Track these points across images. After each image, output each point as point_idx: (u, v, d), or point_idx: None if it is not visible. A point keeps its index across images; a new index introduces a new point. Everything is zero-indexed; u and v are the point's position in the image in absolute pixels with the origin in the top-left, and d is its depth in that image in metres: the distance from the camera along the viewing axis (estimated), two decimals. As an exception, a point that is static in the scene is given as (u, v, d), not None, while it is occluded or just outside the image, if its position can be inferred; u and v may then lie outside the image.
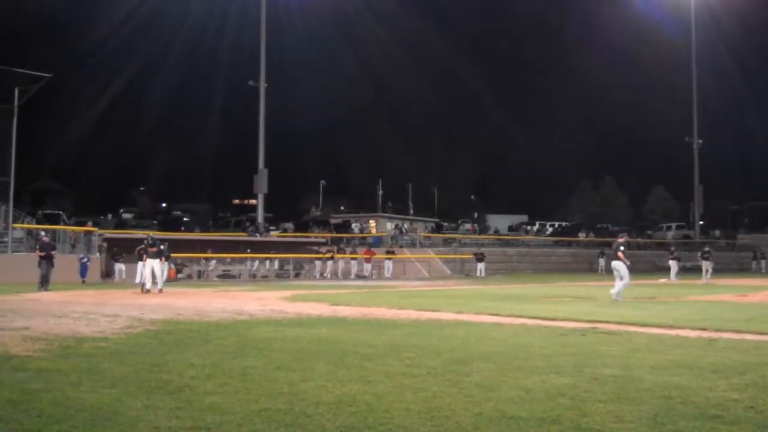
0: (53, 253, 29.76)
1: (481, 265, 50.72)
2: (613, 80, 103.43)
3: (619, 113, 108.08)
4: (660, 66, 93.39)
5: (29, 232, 39.41)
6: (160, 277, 28.22)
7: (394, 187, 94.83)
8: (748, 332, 12.90)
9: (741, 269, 65.65)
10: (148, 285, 27.37)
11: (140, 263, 35.97)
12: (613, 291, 22.73)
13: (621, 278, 22.78)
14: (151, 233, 34.38)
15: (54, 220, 50.37)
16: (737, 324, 14.26)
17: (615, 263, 23.47)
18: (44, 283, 28.11)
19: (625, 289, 22.65)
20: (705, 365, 9.24)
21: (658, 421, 6.33)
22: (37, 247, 30.35)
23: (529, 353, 10.43)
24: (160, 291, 27.08)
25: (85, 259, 36.50)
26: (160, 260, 28.28)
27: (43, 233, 31.63)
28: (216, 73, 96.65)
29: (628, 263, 23.05)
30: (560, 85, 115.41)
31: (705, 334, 12.70)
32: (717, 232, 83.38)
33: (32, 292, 25.88)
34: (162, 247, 28.60)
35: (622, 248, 23.43)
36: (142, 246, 28.98)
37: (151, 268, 27.74)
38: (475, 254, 52.34)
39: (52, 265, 29.06)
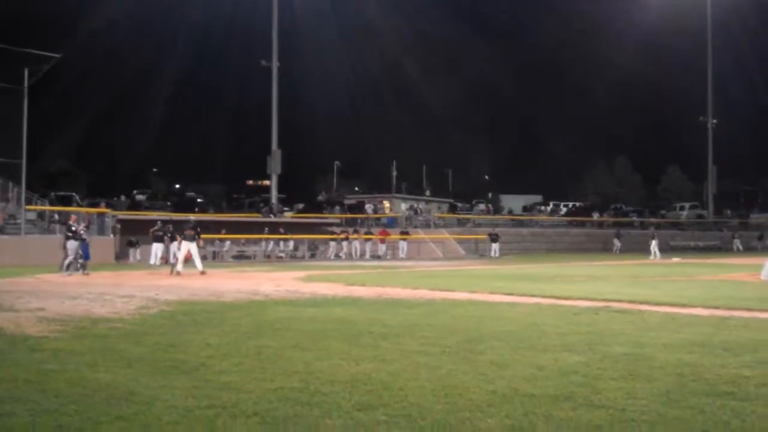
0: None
1: (495, 246, 50.72)
2: (628, 61, 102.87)
3: (634, 93, 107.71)
4: (675, 46, 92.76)
5: (41, 214, 39.52)
6: (198, 259, 27.87)
7: (408, 169, 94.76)
8: (760, 311, 12.90)
9: (748, 248, 65.48)
10: (180, 267, 27.09)
11: (154, 244, 36.20)
12: (763, 275, 22.63)
13: None
14: (192, 216, 34.13)
15: (67, 201, 50.47)
16: (749, 303, 14.26)
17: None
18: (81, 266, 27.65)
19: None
20: (717, 343, 9.27)
21: (670, 398, 6.36)
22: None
23: (543, 332, 10.47)
24: (203, 273, 26.52)
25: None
26: (197, 243, 28.04)
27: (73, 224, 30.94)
28: (230, 52, 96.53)
29: None
30: (575, 66, 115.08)
31: (717, 313, 12.72)
32: (728, 212, 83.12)
33: (48, 274, 25.96)
34: (199, 229, 28.44)
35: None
36: (165, 228, 28.46)
37: (187, 249, 27.46)
38: (490, 234, 52.33)
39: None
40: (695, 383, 6.94)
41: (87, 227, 29.51)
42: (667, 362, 7.97)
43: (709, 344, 9.19)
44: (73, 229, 27.94)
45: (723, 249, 63.60)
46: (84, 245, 28.19)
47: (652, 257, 46.14)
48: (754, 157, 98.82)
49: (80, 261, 26.92)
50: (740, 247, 63.51)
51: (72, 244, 27.25)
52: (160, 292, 17.92)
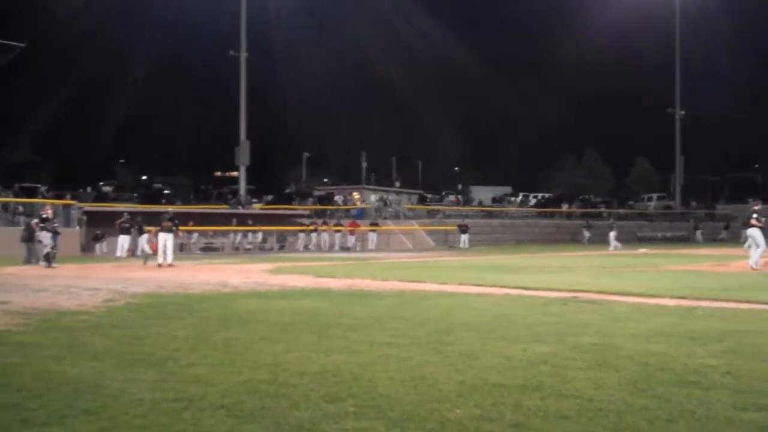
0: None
1: (464, 237, 50.80)
2: (596, 52, 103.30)
3: (603, 85, 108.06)
4: (644, 37, 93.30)
5: (5, 206, 39.08)
6: (171, 252, 27.79)
7: (378, 160, 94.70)
8: (726, 300, 13.03)
9: (715, 239, 66.22)
10: (161, 260, 27.00)
11: (121, 237, 35.86)
12: (751, 262, 22.90)
13: (757, 246, 23.03)
14: (171, 208, 33.87)
15: (32, 193, 49.94)
16: (715, 292, 14.39)
17: (750, 231, 23.70)
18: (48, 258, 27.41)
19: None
20: (683, 333, 9.34)
21: (637, 387, 6.41)
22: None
23: (512, 322, 10.51)
24: (170, 265, 26.56)
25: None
26: (176, 235, 27.94)
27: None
28: (198, 42, 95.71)
29: (761, 224, 23.40)
30: (544, 58, 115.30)
31: (684, 303, 12.83)
32: (693, 203, 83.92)
33: (13, 267, 25.73)
34: (177, 221, 28.35)
35: (755, 216, 23.65)
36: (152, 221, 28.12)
37: (164, 241, 27.38)
38: (459, 226, 52.41)
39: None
40: (662, 373, 6.99)
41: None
42: (635, 352, 8.02)
43: (676, 334, 9.26)
44: (49, 219, 27.84)
45: (689, 240, 64.12)
46: (54, 237, 28.02)
47: (611, 248, 45.33)
48: (721, 148, 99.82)
49: (52, 251, 26.84)
50: (701, 239, 63.91)
51: (46, 236, 27.12)
52: (127, 284, 17.84)
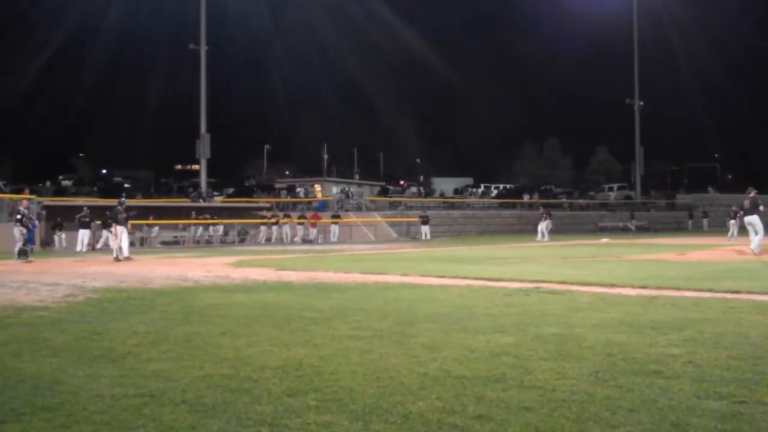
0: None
1: (425, 228, 50.87)
2: (556, 42, 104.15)
3: (563, 75, 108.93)
4: (603, 28, 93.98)
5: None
6: (126, 245, 27.51)
7: (339, 152, 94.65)
8: (687, 289, 13.10)
9: (679, 228, 66.96)
10: (126, 252, 26.83)
11: (81, 231, 35.56)
12: (753, 246, 23.46)
13: (756, 233, 23.57)
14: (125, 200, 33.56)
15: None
16: (676, 282, 14.48)
17: (749, 218, 24.08)
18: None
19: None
20: (645, 322, 9.39)
21: (599, 377, 6.43)
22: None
23: (474, 314, 10.52)
24: (128, 258, 26.42)
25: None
26: (126, 227, 27.68)
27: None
28: (157, 35, 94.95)
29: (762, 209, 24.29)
30: (504, 48, 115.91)
31: (645, 292, 12.90)
32: (652, 192, 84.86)
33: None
34: (131, 213, 28.12)
35: (760, 204, 24.44)
36: (118, 212, 27.78)
37: (121, 234, 27.12)
38: (420, 217, 52.47)
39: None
40: (624, 362, 7.02)
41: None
42: (597, 342, 8.05)
43: (637, 323, 9.31)
44: (25, 213, 27.52)
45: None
46: (29, 232, 27.77)
47: (539, 238, 44.26)
48: (680, 138, 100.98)
49: (27, 247, 26.66)
50: (632, 227, 64.71)
51: (20, 230, 26.83)
52: (87, 279, 17.65)
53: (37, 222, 28.72)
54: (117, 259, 26.05)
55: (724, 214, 52.65)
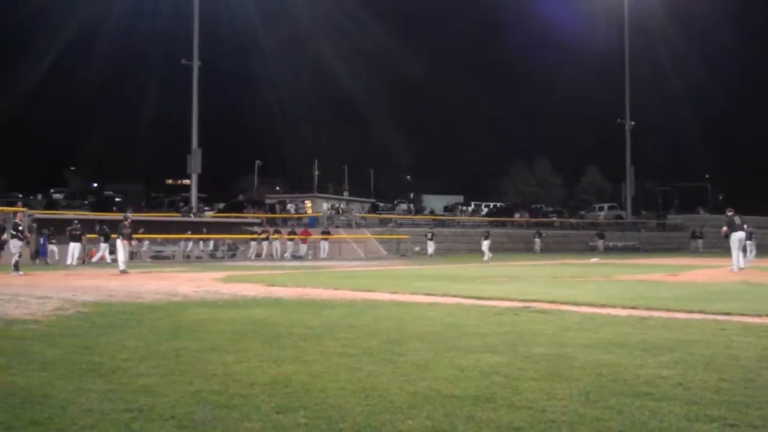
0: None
1: (431, 245, 51.96)
2: (547, 62, 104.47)
3: (554, 94, 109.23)
4: (595, 48, 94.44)
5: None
6: (124, 259, 27.92)
7: (330, 168, 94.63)
8: (678, 311, 13.11)
9: (671, 248, 67.03)
10: (122, 266, 27.19)
11: (71, 244, 35.50)
12: (743, 264, 26.07)
13: (750, 250, 25.29)
14: (130, 214, 33.64)
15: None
16: (667, 303, 14.49)
17: (740, 234, 26.38)
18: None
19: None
20: (635, 343, 9.39)
21: (589, 398, 6.41)
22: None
23: (464, 332, 10.50)
24: (123, 272, 26.78)
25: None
26: (130, 242, 27.97)
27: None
28: (150, 50, 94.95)
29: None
30: (496, 67, 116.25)
31: (636, 313, 12.90)
32: (643, 212, 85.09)
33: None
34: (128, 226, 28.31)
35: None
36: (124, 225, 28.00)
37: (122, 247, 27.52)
38: (426, 234, 53.58)
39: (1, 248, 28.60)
40: (614, 383, 7.01)
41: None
42: (587, 362, 8.04)
43: (628, 344, 9.30)
44: (20, 228, 27.59)
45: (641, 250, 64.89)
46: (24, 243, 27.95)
47: (485, 258, 44.43)
48: (671, 158, 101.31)
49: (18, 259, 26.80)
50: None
51: (16, 243, 26.86)
52: (77, 293, 17.60)
53: (26, 233, 28.72)
54: (124, 272, 26.29)
55: (717, 234, 52.81)
